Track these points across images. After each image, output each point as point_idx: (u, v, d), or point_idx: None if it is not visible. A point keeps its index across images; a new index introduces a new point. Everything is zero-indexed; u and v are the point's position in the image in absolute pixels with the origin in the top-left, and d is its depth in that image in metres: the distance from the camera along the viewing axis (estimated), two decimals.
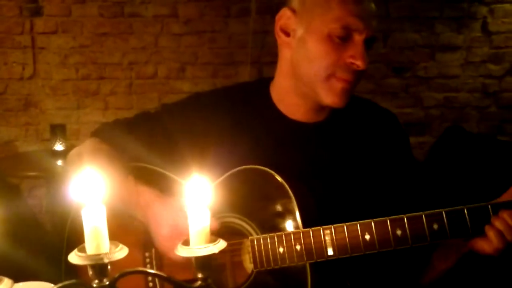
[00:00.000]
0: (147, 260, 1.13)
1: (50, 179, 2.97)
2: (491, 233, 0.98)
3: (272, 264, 1.04)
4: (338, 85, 1.09)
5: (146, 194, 1.09)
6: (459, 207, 1.00)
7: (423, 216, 0.99)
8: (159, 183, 1.14)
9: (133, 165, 1.18)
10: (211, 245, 0.68)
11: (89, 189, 0.64)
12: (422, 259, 1.15)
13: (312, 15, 1.09)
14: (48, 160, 2.80)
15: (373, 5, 1.09)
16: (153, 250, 1.13)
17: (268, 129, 1.18)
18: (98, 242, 0.64)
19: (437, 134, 3.31)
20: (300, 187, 1.07)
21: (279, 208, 1.07)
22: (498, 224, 0.98)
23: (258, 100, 1.20)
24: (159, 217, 1.05)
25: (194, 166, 1.12)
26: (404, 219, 1.00)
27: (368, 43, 1.08)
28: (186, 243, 0.70)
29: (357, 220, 1.01)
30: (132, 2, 3.18)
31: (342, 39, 1.06)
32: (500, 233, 0.98)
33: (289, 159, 1.14)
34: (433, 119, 3.47)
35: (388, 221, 1.00)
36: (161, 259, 1.13)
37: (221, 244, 0.69)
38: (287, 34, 1.13)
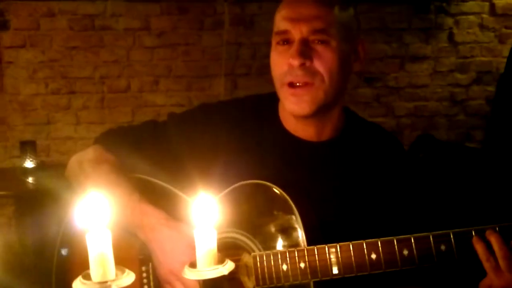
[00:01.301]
0: (144, 274, 1.09)
1: (20, 197, 2.87)
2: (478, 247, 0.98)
3: (275, 281, 1.02)
4: (289, 92, 1.10)
5: (151, 215, 1.05)
6: (466, 228, 1.00)
7: (431, 236, 0.99)
8: (162, 198, 1.12)
9: (137, 177, 1.15)
10: (220, 266, 0.67)
11: (94, 213, 0.62)
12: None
13: (273, 34, 1.15)
14: (18, 178, 2.71)
15: (309, 6, 1.09)
16: (150, 265, 1.09)
17: (273, 145, 1.17)
18: (104, 269, 0.62)
19: (408, 143, 3.37)
20: (304, 204, 1.06)
21: (283, 224, 1.05)
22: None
23: (266, 115, 1.20)
24: (166, 245, 1.02)
25: (198, 179, 1.11)
26: (411, 239, 0.99)
27: (318, 41, 1.08)
28: (193, 265, 0.68)
29: (359, 239, 1.00)
30: (103, 15, 3.13)
31: (285, 45, 1.10)
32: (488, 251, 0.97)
33: (293, 177, 1.13)
34: (404, 128, 3.54)
35: (395, 240, 0.99)
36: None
37: (230, 265, 0.68)
38: None
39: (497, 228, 0.99)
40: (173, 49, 3.18)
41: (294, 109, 1.11)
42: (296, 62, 1.07)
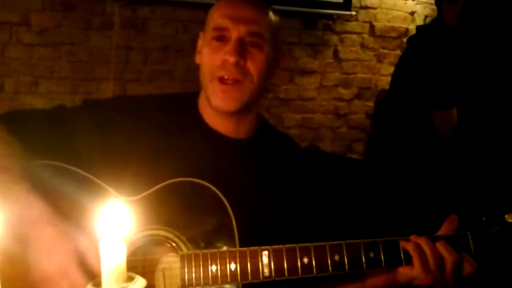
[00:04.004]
0: None
1: None
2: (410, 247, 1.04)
3: (202, 282, 0.97)
4: (217, 87, 1.13)
5: (35, 208, 0.93)
6: (394, 237, 1.05)
7: (361, 244, 1.03)
8: (70, 184, 1.02)
9: (46, 163, 1.03)
10: (129, 284, 0.59)
11: None
12: None
13: (206, 31, 1.19)
14: None
15: (249, 9, 1.16)
16: None
17: (195, 138, 1.17)
18: None
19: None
20: (236, 203, 1.04)
21: (215, 224, 1.02)
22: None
23: (186, 110, 1.20)
24: (43, 245, 0.90)
25: (114, 171, 1.05)
26: (342, 246, 1.02)
27: (253, 43, 1.13)
28: (97, 284, 0.59)
29: (278, 242, 1.01)
30: None
31: (220, 41, 1.14)
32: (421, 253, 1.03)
33: (216, 172, 1.11)
34: (293, 139, 3.64)
35: (327, 246, 1.01)
36: None
37: (141, 283, 0.60)
38: (199, 53, 1.22)
39: None
40: (56, 48, 2.93)
41: (220, 105, 1.13)
42: (232, 59, 1.11)
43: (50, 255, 0.90)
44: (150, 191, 1.04)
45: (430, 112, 2.41)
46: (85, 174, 1.04)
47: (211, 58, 1.14)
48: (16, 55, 2.88)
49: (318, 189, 1.27)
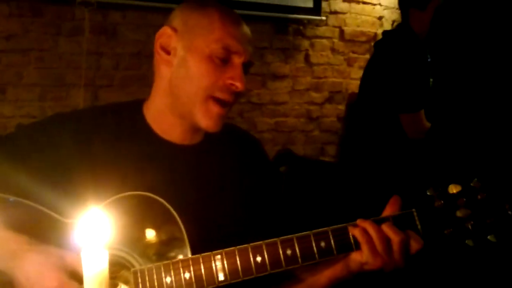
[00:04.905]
0: None
1: None
2: (356, 232, 1.03)
3: None
4: (214, 109, 1.10)
5: (11, 241, 0.91)
6: (343, 224, 1.05)
7: (311, 235, 1.02)
8: (23, 218, 0.98)
9: None
10: None
11: None
12: None
13: (194, 35, 1.10)
14: None
15: (249, 32, 1.15)
16: None
17: (142, 151, 1.12)
18: None
19: (269, 157, 3.49)
20: (186, 213, 1.02)
21: (166, 235, 1.00)
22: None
23: (131, 120, 1.15)
24: (31, 272, 0.89)
25: (59, 191, 1.01)
26: (293, 239, 1.01)
27: (246, 68, 1.12)
28: None
29: (231, 245, 1.00)
30: None
31: (223, 61, 1.09)
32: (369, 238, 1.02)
33: (164, 182, 1.08)
34: (266, 143, 3.66)
35: (278, 242, 1.01)
36: None
37: None
38: (167, 52, 1.12)
39: None
40: (25, 54, 2.87)
41: (212, 126, 1.11)
42: (241, 87, 1.08)
43: (41, 276, 0.89)
44: (97, 207, 1.00)
45: (399, 115, 2.47)
46: (25, 201, 0.99)
47: (210, 76, 1.08)
48: None
49: (272, 181, 1.26)
